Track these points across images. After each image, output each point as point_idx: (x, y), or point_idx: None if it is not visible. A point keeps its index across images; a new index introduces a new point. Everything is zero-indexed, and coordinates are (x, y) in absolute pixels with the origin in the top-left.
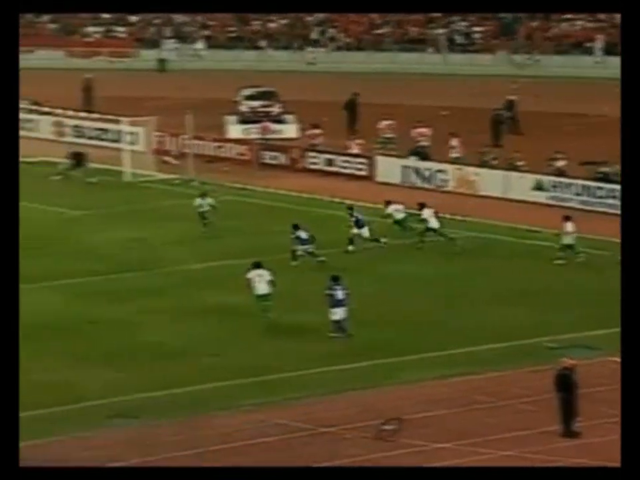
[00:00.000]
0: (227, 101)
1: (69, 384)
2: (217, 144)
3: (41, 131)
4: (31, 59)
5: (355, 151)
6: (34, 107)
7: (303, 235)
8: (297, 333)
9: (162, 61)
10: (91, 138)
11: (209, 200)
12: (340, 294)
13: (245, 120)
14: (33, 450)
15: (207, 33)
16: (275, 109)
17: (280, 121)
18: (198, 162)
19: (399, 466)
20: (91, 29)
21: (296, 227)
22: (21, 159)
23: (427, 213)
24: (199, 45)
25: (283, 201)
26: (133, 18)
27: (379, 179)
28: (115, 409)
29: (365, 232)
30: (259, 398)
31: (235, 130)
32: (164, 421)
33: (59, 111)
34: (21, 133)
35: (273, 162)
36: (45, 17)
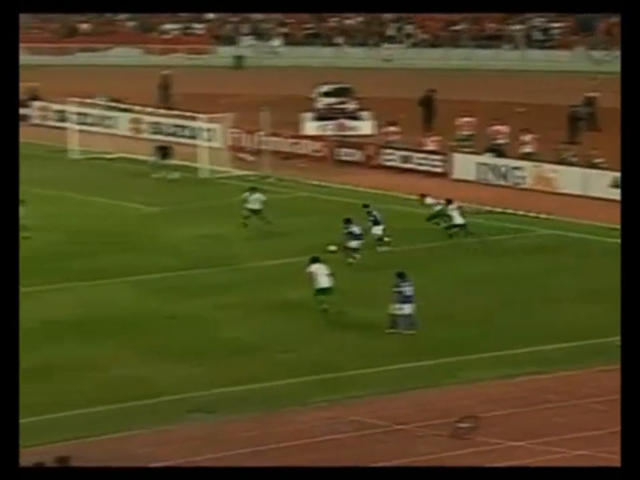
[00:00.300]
0: (303, 98)
1: (146, 379)
2: (292, 140)
3: (119, 128)
4: (109, 56)
5: (431, 147)
6: (112, 104)
7: (355, 229)
8: (362, 330)
9: (239, 58)
10: (168, 135)
11: (258, 195)
12: (408, 290)
13: (320, 117)
14: (109, 444)
15: (284, 30)
16: (351, 106)
17: (356, 118)
18: (273, 159)
19: (474, 465)
20: (168, 26)
21: (348, 222)
22: (100, 155)
23: (453, 209)
24: (276, 41)
25: (358, 198)
26: (211, 15)
27: (455, 176)
28: (191, 405)
29: (378, 230)
30: (331, 395)
31: (310, 127)
32: (238, 417)
33: (137, 108)
34: (100, 129)
35: (349, 159)
36: (123, 15)
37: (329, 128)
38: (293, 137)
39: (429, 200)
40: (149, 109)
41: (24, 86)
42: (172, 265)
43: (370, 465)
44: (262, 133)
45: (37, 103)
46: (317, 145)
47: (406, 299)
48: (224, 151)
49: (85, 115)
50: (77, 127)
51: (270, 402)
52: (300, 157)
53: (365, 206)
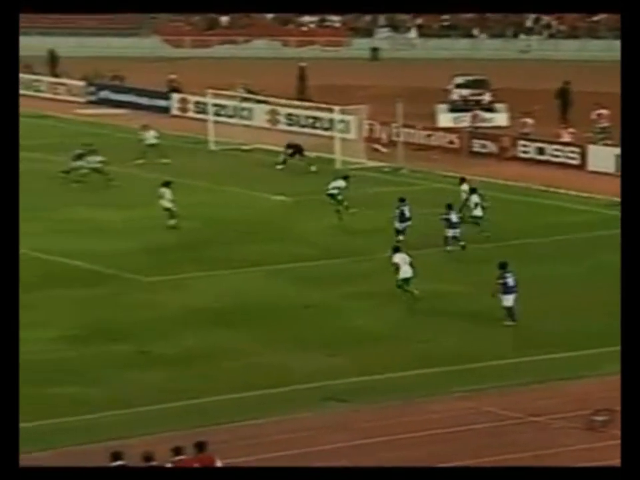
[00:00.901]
0: (438, 90)
1: (280, 367)
2: (426, 132)
3: (256, 119)
4: (248, 48)
5: (567, 139)
6: (250, 96)
7: (453, 217)
8: (491, 321)
9: (375, 50)
10: (303, 126)
11: (340, 182)
12: (510, 281)
13: (455, 108)
14: (244, 430)
15: (419, 21)
16: (486, 98)
17: (490, 110)
18: (407, 150)
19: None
20: (306, 19)
21: (450, 207)
22: (237, 146)
23: (473, 199)
24: (412, 33)
25: (492, 189)
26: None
27: (591, 167)
28: (325, 393)
29: (400, 227)
30: (465, 385)
31: (445, 118)
32: (372, 406)
33: (274, 100)
34: (237, 121)
35: (483, 150)
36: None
37: (463, 120)
38: (427, 128)
39: (464, 186)
40: (285, 101)
41: (165, 78)
42: (306, 254)
43: (501, 456)
44: (396, 124)
45: (176, 95)
46: (451, 137)
47: (509, 289)
48: (358, 143)
49: (223, 106)
50: (215, 119)
51: (403, 392)
52: (434, 148)
53: (401, 200)
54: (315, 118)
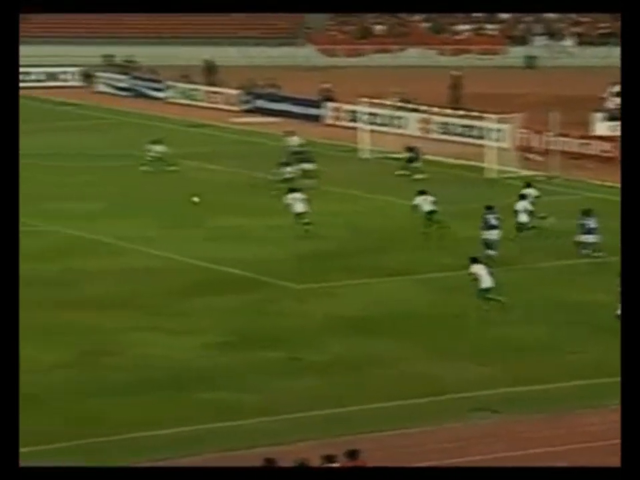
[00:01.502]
0: (594, 98)
1: (431, 377)
2: (582, 141)
3: (408, 128)
4: (402, 57)
5: None
6: (402, 104)
7: (591, 223)
8: None
9: (531, 58)
10: (456, 135)
11: (532, 191)
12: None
13: (612, 117)
14: (393, 440)
15: (577, 29)
16: None
17: None
18: (562, 159)
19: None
20: (461, 27)
21: (586, 213)
22: (388, 155)
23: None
24: (568, 41)
25: None
26: (504, 15)
27: None
28: (477, 403)
29: (492, 235)
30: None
31: (601, 127)
32: (525, 417)
33: (427, 108)
34: (389, 129)
35: None
36: (418, 16)
37: (619, 128)
38: (582, 137)
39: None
40: (438, 109)
41: (318, 87)
42: (455, 263)
43: None
44: (551, 133)
45: (330, 104)
46: (607, 146)
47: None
48: (512, 151)
49: (376, 115)
50: (368, 127)
51: (557, 403)
52: (589, 157)
53: (488, 208)
54: (467, 126)
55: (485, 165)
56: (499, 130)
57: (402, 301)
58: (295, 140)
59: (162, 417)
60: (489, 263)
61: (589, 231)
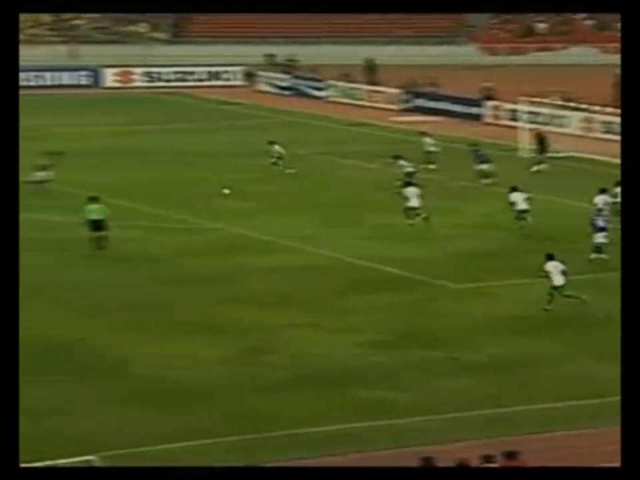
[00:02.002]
0: None
1: (594, 378)
2: None
3: (570, 127)
4: (564, 55)
5: None
6: (563, 103)
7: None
8: None
9: None
10: (618, 134)
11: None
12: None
13: None
14: (558, 440)
15: None
16: None
17: None
18: None
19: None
20: None
21: None
22: (550, 155)
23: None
24: None
25: None
26: None
27: None
28: None
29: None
30: None
31: None
32: None
33: (589, 107)
34: (551, 128)
35: None
36: (581, 15)
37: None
38: None
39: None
40: (601, 108)
41: (479, 86)
42: (616, 264)
43: None
44: None
45: (490, 103)
46: None
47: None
48: None
49: (536, 114)
50: (528, 126)
51: None
52: None
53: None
54: None
55: None
56: None
57: (561, 301)
58: (428, 141)
59: (318, 415)
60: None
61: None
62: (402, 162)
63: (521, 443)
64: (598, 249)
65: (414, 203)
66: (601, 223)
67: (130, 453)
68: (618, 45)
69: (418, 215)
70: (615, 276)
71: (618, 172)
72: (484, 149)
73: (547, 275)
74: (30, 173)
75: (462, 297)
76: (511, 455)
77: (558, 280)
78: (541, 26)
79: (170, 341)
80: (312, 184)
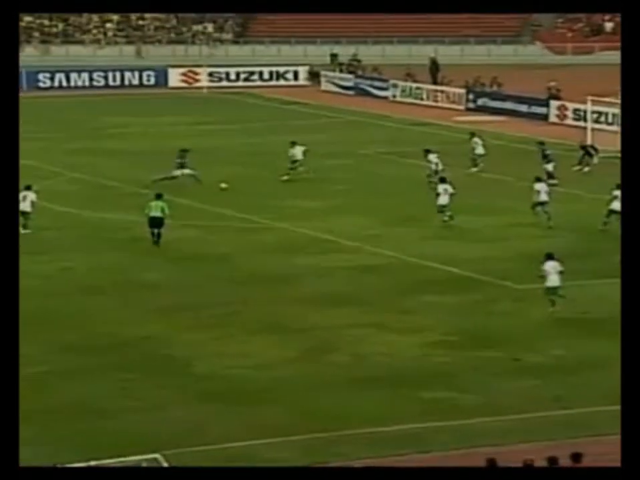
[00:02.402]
0: None
1: None
2: None
3: None
4: None
5: None
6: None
7: None
8: None
9: None
10: None
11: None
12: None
13: None
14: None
15: None
16: None
17: None
18: None
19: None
20: None
21: None
22: (614, 154)
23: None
24: None
25: None
26: None
27: None
28: None
29: None
30: None
31: None
32: None
33: None
34: (615, 128)
35: None
36: None
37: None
38: None
39: None
40: None
41: (545, 85)
42: None
43: None
44: None
45: (555, 102)
46: None
47: None
48: None
49: (602, 113)
50: (594, 126)
51: None
52: None
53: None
54: None
55: None
56: None
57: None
58: (477, 141)
59: (382, 415)
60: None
61: None
62: (431, 156)
63: (586, 445)
64: None
65: (443, 200)
66: None
67: (195, 452)
68: None
69: (442, 212)
70: None
71: None
72: (549, 149)
73: (543, 275)
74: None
75: (525, 298)
76: (575, 457)
77: (553, 281)
78: (609, 25)
79: (233, 341)
80: (376, 183)
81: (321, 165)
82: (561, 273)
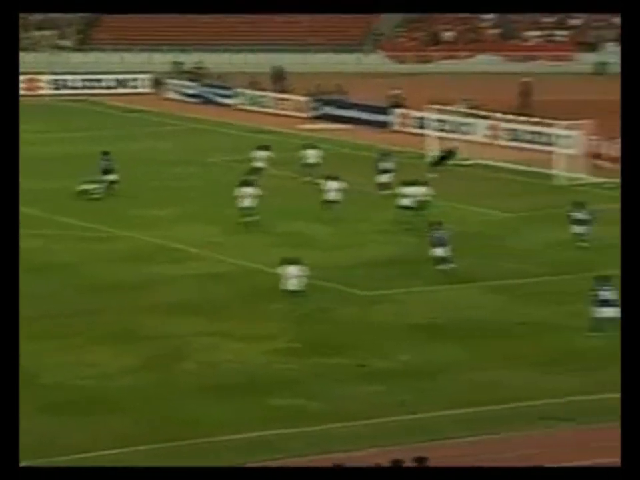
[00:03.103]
0: None
1: (500, 384)
2: None
3: (476, 134)
4: (471, 63)
5: None
6: (470, 111)
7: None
8: None
9: (602, 65)
10: (524, 141)
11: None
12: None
13: None
14: (463, 446)
15: None
16: None
17: None
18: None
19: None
20: (530, 33)
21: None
22: (457, 162)
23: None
24: None
25: None
26: (574, 21)
27: None
28: (545, 412)
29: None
30: None
31: None
32: (596, 426)
33: (495, 115)
34: (457, 136)
35: None
36: (487, 22)
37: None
38: None
39: None
40: (506, 116)
41: (387, 94)
42: (525, 271)
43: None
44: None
45: (397, 110)
46: None
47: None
48: (581, 158)
49: (444, 121)
50: (435, 134)
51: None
52: None
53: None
54: (536, 133)
55: (553, 172)
56: (568, 136)
57: (471, 308)
58: (312, 153)
59: (231, 422)
60: None
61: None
62: (260, 154)
63: (430, 449)
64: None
65: (247, 203)
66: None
67: (47, 462)
68: (523, 53)
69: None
70: (528, 282)
71: (523, 179)
72: (390, 159)
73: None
74: None
75: (368, 304)
76: (420, 461)
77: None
78: (448, 34)
79: (82, 350)
80: (220, 191)
81: (167, 173)
82: (299, 278)
